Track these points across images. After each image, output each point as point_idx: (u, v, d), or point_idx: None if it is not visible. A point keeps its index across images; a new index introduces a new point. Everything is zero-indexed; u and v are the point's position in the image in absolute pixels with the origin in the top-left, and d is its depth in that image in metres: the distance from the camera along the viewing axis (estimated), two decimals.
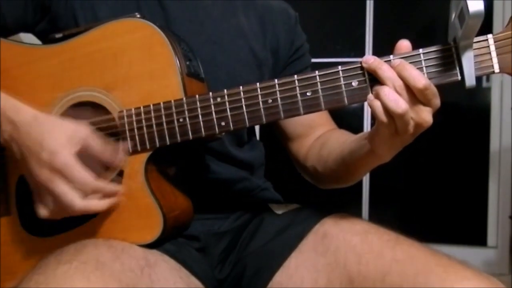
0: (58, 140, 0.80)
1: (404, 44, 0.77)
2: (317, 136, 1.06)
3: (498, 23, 2.62)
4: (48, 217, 0.82)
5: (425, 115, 0.74)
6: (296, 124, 1.06)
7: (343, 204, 2.75)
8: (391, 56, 0.76)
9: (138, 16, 0.85)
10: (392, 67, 0.74)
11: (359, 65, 0.77)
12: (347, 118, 2.75)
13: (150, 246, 0.85)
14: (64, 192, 0.79)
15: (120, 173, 0.85)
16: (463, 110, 2.69)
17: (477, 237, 2.73)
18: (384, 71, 0.74)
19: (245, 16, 1.04)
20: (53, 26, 0.94)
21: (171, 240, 0.90)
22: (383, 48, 2.81)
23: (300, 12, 1.13)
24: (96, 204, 0.81)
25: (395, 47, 0.77)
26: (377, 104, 0.74)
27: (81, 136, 0.81)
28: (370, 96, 0.76)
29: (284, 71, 1.08)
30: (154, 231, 0.84)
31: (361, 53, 2.79)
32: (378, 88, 0.74)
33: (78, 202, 0.79)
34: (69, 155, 0.79)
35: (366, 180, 2.80)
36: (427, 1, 2.73)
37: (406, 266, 0.77)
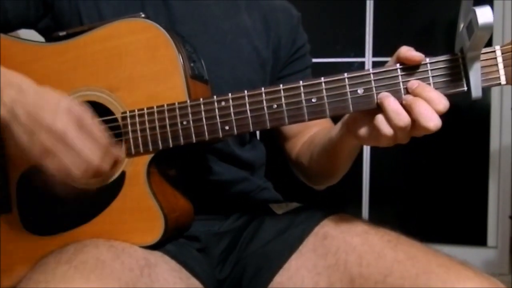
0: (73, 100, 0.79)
1: (418, 59, 0.75)
2: (309, 135, 1.06)
3: (498, 23, 2.62)
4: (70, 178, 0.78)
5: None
6: None
7: (343, 204, 2.75)
8: (398, 65, 0.76)
9: (143, 16, 0.85)
10: (409, 88, 0.74)
11: (365, 72, 0.76)
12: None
13: (151, 247, 0.85)
14: (80, 146, 0.76)
15: (122, 175, 0.85)
16: (463, 110, 2.68)
17: (477, 237, 2.74)
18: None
19: (249, 15, 1.05)
20: (56, 24, 0.94)
21: (171, 241, 0.90)
22: (383, 48, 2.81)
23: (300, 12, 1.13)
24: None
25: (408, 59, 0.75)
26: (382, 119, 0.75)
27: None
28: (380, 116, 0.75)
29: (284, 70, 1.08)
30: (155, 233, 0.84)
31: (361, 53, 2.78)
32: (382, 96, 0.75)
33: (95, 153, 0.77)
34: (87, 112, 0.78)
35: (366, 180, 2.80)
36: (427, 1, 2.72)
37: (407, 266, 0.77)
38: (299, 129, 1.08)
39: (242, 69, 1.00)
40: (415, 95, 0.73)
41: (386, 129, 0.74)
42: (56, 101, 0.77)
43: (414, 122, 0.73)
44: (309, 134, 1.06)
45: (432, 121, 0.71)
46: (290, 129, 1.09)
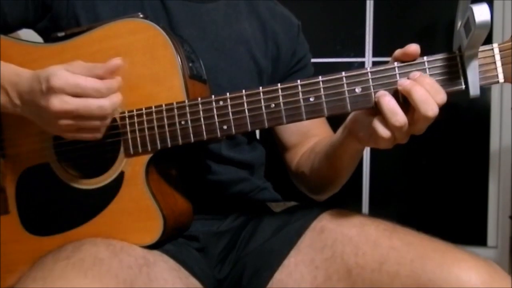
0: (49, 69, 0.78)
1: (413, 48, 0.75)
2: (309, 145, 1.06)
3: (498, 23, 2.62)
4: (92, 138, 0.81)
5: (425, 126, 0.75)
6: (292, 132, 1.07)
7: (343, 203, 2.75)
8: (395, 63, 0.76)
9: (141, 16, 0.85)
10: (411, 78, 0.74)
11: (363, 71, 0.76)
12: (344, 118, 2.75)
13: (150, 247, 0.85)
14: (85, 107, 0.77)
15: (120, 176, 0.85)
16: (463, 110, 2.68)
17: (477, 237, 2.73)
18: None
19: (249, 23, 1.04)
20: (55, 25, 0.94)
21: (171, 241, 0.90)
22: (383, 48, 2.79)
23: (300, 12, 1.13)
24: (116, 98, 0.79)
25: (404, 53, 0.75)
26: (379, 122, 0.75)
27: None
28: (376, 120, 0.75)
29: (285, 81, 1.08)
30: (154, 233, 0.84)
31: (361, 53, 2.78)
32: (379, 95, 0.75)
33: (105, 102, 0.78)
34: (65, 71, 0.77)
35: (366, 180, 2.80)
36: (427, 2, 2.72)
37: (403, 253, 0.78)
38: (299, 139, 1.08)
39: (240, 77, 1.00)
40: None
41: (383, 132, 0.74)
42: (39, 85, 0.78)
43: (413, 112, 0.72)
44: (309, 145, 1.06)
45: (431, 110, 0.71)
46: (290, 139, 1.08)
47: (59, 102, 0.76)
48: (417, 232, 0.82)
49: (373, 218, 0.86)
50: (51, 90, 0.76)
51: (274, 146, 1.13)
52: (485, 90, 2.64)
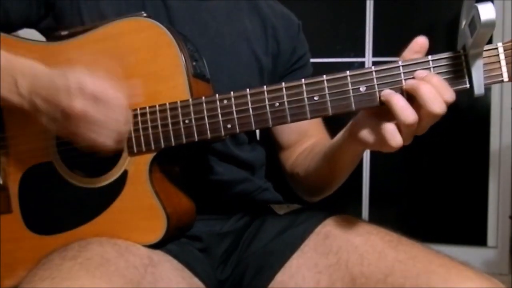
0: (80, 71, 0.79)
1: (421, 41, 0.75)
2: (306, 145, 1.06)
3: (498, 23, 2.62)
4: (96, 148, 0.80)
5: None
6: (291, 131, 1.07)
7: (343, 204, 2.75)
8: (400, 62, 0.76)
9: (145, 15, 0.85)
10: (418, 77, 0.74)
11: (367, 70, 0.76)
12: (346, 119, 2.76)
13: (153, 246, 0.85)
14: (103, 119, 0.77)
15: (124, 174, 0.85)
16: (463, 110, 2.69)
17: (477, 237, 2.74)
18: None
19: (249, 20, 1.04)
20: (58, 23, 0.94)
21: (174, 241, 0.90)
22: (383, 48, 2.79)
23: (301, 12, 1.13)
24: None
25: (412, 45, 0.76)
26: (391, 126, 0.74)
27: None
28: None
29: (284, 79, 1.08)
30: (158, 232, 0.84)
31: (361, 53, 2.79)
32: (388, 94, 0.74)
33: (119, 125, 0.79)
34: (96, 80, 0.78)
35: (366, 180, 2.80)
36: (427, 2, 2.73)
37: (408, 266, 0.77)
38: (298, 138, 1.08)
39: (241, 73, 1.00)
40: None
41: (393, 131, 0.73)
42: (66, 82, 0.77)
43: (419, 110, 0.72)
44: (306, 145, 1.06)
45: (438, 107, 0.70)
46: (289, 137, 1.08)
47: (82, 106, 0.76)
48: (422, 245, 0.82)
49: (378, 228, 0.86)
50: (79, 94, 0.76)
51: (274, 147, 1.13)
52: (485, 90, 2.63)
